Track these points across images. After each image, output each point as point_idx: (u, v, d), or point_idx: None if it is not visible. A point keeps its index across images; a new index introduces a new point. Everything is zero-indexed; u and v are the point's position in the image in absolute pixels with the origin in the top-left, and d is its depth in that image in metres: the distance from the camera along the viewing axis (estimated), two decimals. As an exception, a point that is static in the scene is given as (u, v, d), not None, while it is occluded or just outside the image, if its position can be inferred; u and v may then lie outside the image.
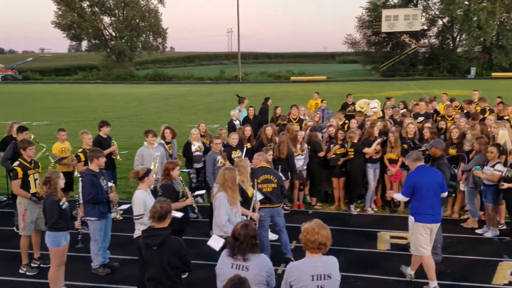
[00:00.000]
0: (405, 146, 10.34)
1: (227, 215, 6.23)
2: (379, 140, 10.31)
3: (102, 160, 7.60)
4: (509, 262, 8.02)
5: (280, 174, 8.31)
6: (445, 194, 7.31)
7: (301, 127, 12.01)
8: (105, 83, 65.87)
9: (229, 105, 27.13)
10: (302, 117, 13.72)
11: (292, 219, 9.62)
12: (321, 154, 10.62)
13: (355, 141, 10.37)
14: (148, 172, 6.75)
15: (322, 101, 16.86)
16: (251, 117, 14.27)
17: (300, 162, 10.52)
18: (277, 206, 7.86)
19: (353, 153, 10.33)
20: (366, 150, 10.18)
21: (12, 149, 9.31)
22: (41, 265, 7.75)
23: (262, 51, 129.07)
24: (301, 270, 4.33)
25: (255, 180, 7.57)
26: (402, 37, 64.78)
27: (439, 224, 7.17)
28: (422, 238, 6.96)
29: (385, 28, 63.91)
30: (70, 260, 7.85)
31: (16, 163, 7.82)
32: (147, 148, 9.51)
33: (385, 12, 63.94)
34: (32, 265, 7.79)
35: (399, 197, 7.40)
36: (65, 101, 38.04)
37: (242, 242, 4.43)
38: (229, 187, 6.35)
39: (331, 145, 10.64)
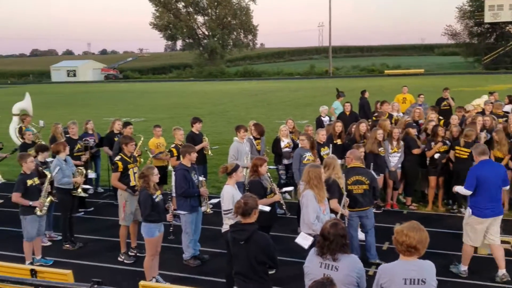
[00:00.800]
0: None
1: (315, 213, 6.15)
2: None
3: (194, 155, 7.83)
4: None
5: (373, 172, 8.03)
6: (507, 187, 7.48)
7: (391, 123, 11.61)
8: (198, 80, 68.09)
9: (318, 101, 26.95)
10: (394, 113, 13.27)
11: (384, 219, 9.32)
12: (416, 151, 10.16)
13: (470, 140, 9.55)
14: (236, 167, 6.86)
15: (419, 95, 16.15)
16: (347, 113, 13.92)
17: (395, 160, 10.18)
18: (366, 209, 7.55)
19: (467, 153, 9.43)
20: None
21: (118, 143, 9.93)
22: (138, 254, 8.16)
23: (354, 44, 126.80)
24: (393, 273, 4.16)
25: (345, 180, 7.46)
26: (507, 28, 60.74)
27: (501, 216, 7.24)
28: (473, 229, 7.14)
29: (488, 18, 59.93)
30: (163, 250, 8.20)
31: (117, 157, 8.29)
32: (239, 143, 9.68)
33: (488, 2, 59.80)
34: (130, 253, 8.22)
35: (462, 190, 7.28)
36: (160, 98, 39.78)
37: (332, 242, 4.32)
38: (314, 185, 6.25)
39: (432, 143, 10.04)
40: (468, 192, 7.19)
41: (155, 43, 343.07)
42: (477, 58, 66.49)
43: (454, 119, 11.03)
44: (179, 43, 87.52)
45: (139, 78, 78.33)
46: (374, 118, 12.71)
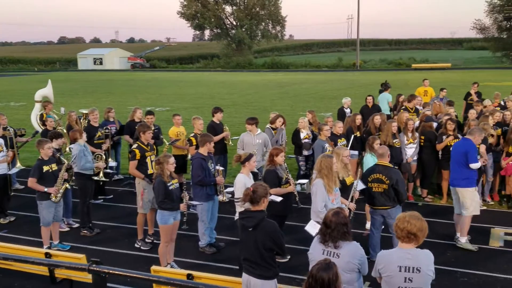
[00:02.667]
0: None
1: (323, 201, 6.25)
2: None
3: (211, 145, 7.89)
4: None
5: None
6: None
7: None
8: (225, 71, 68.23)
9: (343, 94, 26.67)
10: (418, 106, 13.16)
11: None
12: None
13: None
14: (250, 156, 6.93)
15: (441, 89, 15.94)
16: (369, 106, 14.02)
17: (410, 151, 10.13)
18: (388, 208, 7.27)
19: None
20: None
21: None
22: (154, 241, 8.28)
23: (383, 37, 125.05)
24: (389, 260, 4.29)
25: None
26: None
27: None
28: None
29: (518, 13, 58.54)
30: (180, 237, 8.35)
31: (134, 145, 8.37)
32: (249, 134, 9.69)
33: (518, -4, 58.47)
34: (147, 240, 8.35)
35: (476, 166, 7.89)
36: (186, 88, 40.04)
37: (333, 230, 4.50)
38: (325, 174, 6.37)
39: (443, 136, 10.02)
40: (478, 165, 7.97)
41: (184, 32, 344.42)
42: (505, 53, 65.18)
43: (472, 113, 11.03)
44: (207, 33, 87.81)
45: (165, 68, 78.86)
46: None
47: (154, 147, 8.83)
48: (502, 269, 7.20)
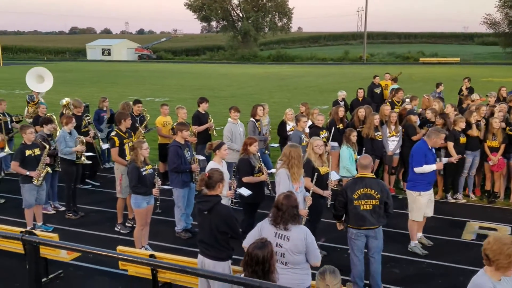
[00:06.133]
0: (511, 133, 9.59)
1: (286, 190, 6.39)
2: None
3: (186, 133, 8.16)
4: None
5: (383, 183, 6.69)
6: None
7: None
8: (229, 63, 68.34)
9: (344, 87, 26.72)
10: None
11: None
12: (415, 137, 10.22)
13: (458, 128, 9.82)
14: (220, 144, 7.17)
15: (438, 84, 16.08)
16: (360, 99, 14.24)
17: (393, 144, 10.30)
18: (376, 227, 6.34)
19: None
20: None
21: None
22: (134, 225, 8.55)
23: (393, 30, 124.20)
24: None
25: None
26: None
27: None
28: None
29: (529, 8, 58.03)
30: (158, 222, 8.67)
31: (113, 133, 8.65)
32: (233, 123, 9.93)
33: (530, -9, 57.96)
34: (127, 224, 8.67)
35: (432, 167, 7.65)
36: (188, 79, 40.34)
37: (285, 212, 4.75)
38: (295, 164, 6.53)
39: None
40: (424, 170, 7.63)
41: (193, 24, 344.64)
42: (515, 49, 64.47)
43: (449, 108, 11.04)
44: (214, 25, 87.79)
45: (171, 59, 79.11)
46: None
47: (132, 134, 9.11)
48: (470, 262, 7.29)
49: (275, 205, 4.84)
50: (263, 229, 4.90)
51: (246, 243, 4.62)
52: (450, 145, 9.57)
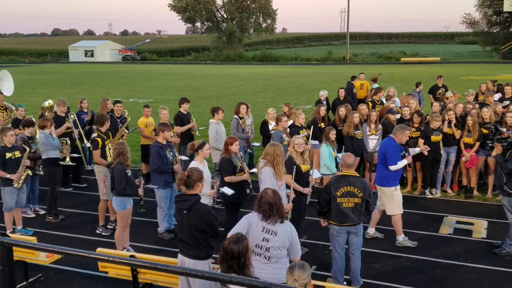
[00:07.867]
0: (485, 131, 9.76)
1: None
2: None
3: (168, 133, 8.16)
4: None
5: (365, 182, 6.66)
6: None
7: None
8: (215, 64, 68.35)
9: (327, 86, 26.93)
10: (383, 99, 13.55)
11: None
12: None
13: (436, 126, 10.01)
14: (202, 144, 7.18)
15: (418, 84, 16.30)
16: (341, 98, 14.40)
17: (373, 143, 10.42)
18: (356, 224, 6.45)
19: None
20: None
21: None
22: (115, 227, 8.53)
23: (375, 31, 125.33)
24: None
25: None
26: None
27: None
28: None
29: (507, 7, 59.24)
30: (140, 224, 8.65)
31: (94, 135, 8.57)
32: (216, 124, 9.96)
33: (508, -10, 58.93)
34: (108, 226, 8.63)
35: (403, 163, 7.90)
36: (173, 80, 40.20)
37: (278, 207, 4.93)
38: (280, 162, 6.66)
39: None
40: (398, 166, 7.84)
41: (178, 25, 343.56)
42: (495, 47, 65.78)
43: (435, 106, 11.29)
44: (198, 26, 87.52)
45: (156, 60, 78.84)
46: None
47: (110, 135, 9.08)
48: (446, 255, 7.47)
49: (267, 201, 4.91)
50: (253, 224, 4.97)
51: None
52: (421, 142, 9.82)
